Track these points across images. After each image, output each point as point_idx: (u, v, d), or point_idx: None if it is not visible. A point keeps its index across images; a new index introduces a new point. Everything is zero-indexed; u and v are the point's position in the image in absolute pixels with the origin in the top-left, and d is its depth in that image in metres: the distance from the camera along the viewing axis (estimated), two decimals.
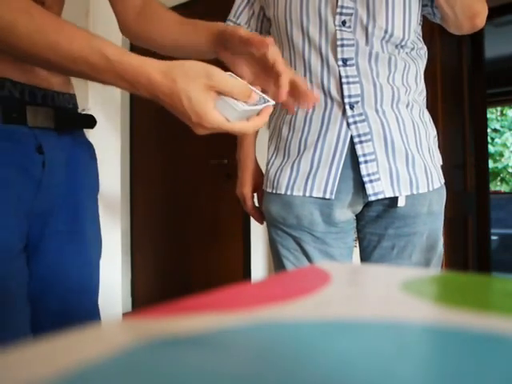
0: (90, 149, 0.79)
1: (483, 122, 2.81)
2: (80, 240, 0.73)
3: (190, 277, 2.64)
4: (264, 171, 1.01)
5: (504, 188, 9.12)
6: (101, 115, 2.01)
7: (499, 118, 8.91)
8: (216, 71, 0.54)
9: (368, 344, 0.20)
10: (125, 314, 2.70)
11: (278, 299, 0.27)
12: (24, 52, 0.53)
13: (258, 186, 1.03)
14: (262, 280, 0.34)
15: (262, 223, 1.07)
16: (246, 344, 0.20)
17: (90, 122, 0.77)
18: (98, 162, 0.83)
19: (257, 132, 1.04)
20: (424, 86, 0.97)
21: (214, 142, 2.51)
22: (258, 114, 0.60)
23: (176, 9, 2.92)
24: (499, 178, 9.14)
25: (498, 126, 8.87)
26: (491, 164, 8.58)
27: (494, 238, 4.02)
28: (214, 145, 2.50)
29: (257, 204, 1.07)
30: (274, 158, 0.97)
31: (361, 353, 0.19)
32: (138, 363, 0.17)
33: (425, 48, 0.96)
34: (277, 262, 0.98)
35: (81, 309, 0.72)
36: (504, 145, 9.01)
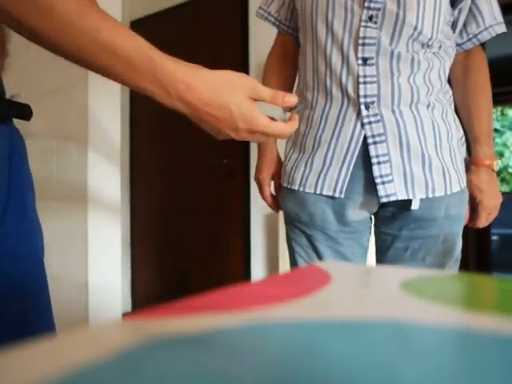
0: (23, 141, 0.71)
1: None
2: (30, 241, 0.68)
3: (190, 277, 2.64)
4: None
5: (504, 188, 9.11)
6: (101, 115, 2.01)
7: (499, 118, 8.91)
8: (257, 82, 0.58)
9: (368, 344, 0.20)
10: (125, 314, 2.70)
11: (277, 299, 0.27)
12: (50, 34, 0.47)
13: (276, 174, 1.03)
14: (262, 280, 0.34)
15: (277, 211, 1.07)
16: (246, 344, 0.20)
17: (26, 111, 0.69)
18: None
19: None
20: (448, 84, 0.94)
21: (214, 142, 2.52)
22: (287, 121, 0.63)
23: (176, 9, 2.91)
24: (499, 178, 9.14)
25: (498, 126, 8.87)
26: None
27: (494, 238, 4.02)
28: (214, 145, 2.50)
29: (273, 192, 1.07)
30: (291, 152, 0.97)
31: (361, 353, 0.19)
32: (138, 363, 0.17)
33: (453, 45, 0.93)
34: (291, 258, 0.99)
35: (38, 311, 0.67)
36: (504, 145, 9.01)
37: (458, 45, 0.95)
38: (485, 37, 0.95)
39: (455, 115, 0.95)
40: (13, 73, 2.38)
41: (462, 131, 0.97)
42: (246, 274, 2.33)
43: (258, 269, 2.28)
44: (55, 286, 2.23)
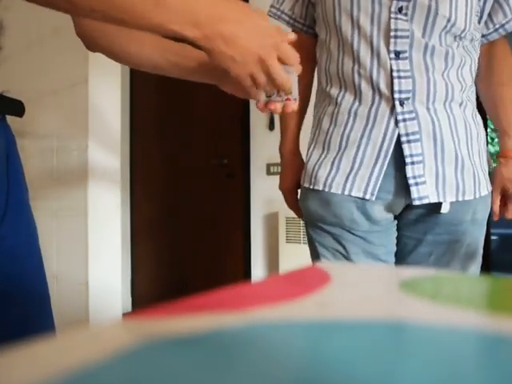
0: (15, 138, 0.70)
1: (483, 122, 2.80)
2: (29, 242, 0.67)
3: (189, 277, 2.64)
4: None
5: None
6: (101, 115, 2.01)
7: None
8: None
9: (368, 344, 0.20)
10: (125, 314, 2.70)
11: (278, 299, 0.27)
12: None
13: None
14: (262, 280, 0.34)
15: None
16: (246, 344, 0.20)
17: (19, 108, 0.69)
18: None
19: (300, 126, 1.00)
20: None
21: (214, 141, 2.52)
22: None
23: None
24: None
25: None
26: None
27: (494, 237, 4.01)
28: (214, 145, 2.50)
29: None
30: (312, 149, 0.91)
31: (361, 353, 0.19)
32: (138, 363, 0.17)
33: (480, 39, 0.89)
34: (315, 261, 0.93)
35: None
36: None
37: (482, 36, 0.91)
38: None
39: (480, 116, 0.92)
40: (13, 73, 2.39)
41: (484, 133, 0.94)
42: (246, 274, 2.33)
43: (258, 269, 2.28)
44: (55, 286, 2.23)
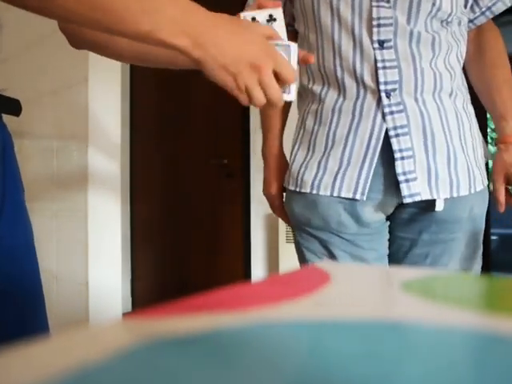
0: (11, 137, 0.70)
1: (483, 122, 2.80)
2: (25, 243, 0.67)
3: (189, 277, 2.64)
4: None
5: None
6: (101, 115, 2.00)
7: None
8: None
9: (368, 344, 0.20)
10: (125, 314, 2.70)
11: (277, 299, 0.27)
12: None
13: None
14: (262, 280, 0.34)
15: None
16: (246, 344, 0.19)
17: (16, 106, 0.68)
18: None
19: (283, 126, 0.95)
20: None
21: (214, 141, 2.52)
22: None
23: None
24: None
25: None
26: (491, 164, 8.53)
27: (493, 237, 4.02)
28: (213, 145, 2.50)
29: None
30: (296, 150, 0.87)
31: (361, 353, 0.19)
32: (138, 363, 0.17)
33: (466, 24, 0.86)
34: (302, 266, 0.89)
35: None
36: None
37: (470, 21, 0.88)
38: (499, 8, 0.86)
39: (472, 107, 0.88)
40: (12, 72, 2.39)
41: (477, 125, 0.90)
42: (246, 274, 2.33)
43: (258, 269, 2.28)
44: (55, 286, 2.23)
